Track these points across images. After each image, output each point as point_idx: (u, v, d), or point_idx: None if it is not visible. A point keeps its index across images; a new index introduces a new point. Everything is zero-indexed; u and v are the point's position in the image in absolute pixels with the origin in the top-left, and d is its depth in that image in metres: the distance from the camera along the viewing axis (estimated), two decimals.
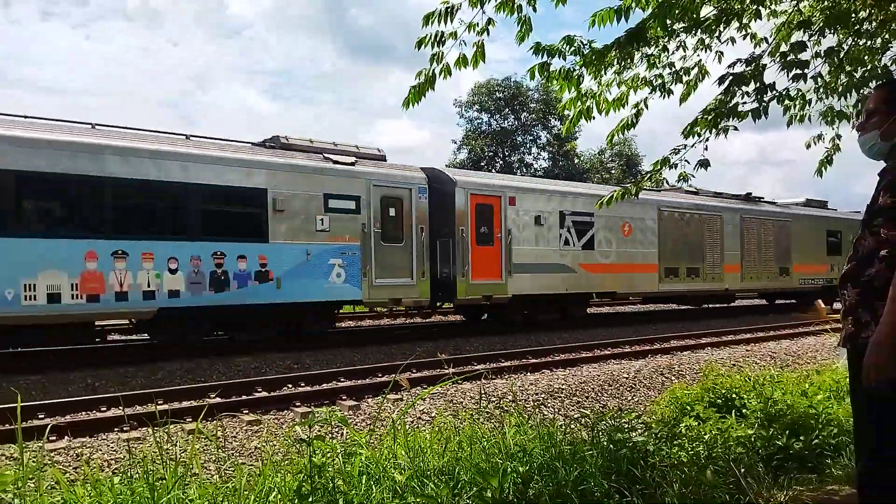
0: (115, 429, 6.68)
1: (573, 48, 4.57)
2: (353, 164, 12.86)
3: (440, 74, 4.15)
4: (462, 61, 4.12)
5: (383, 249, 13.01)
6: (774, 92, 5.21)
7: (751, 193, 22.15)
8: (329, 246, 12.26)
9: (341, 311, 14.63)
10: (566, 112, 5.10)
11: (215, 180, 11.08)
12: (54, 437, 6.37)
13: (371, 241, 12.76)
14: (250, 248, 11.31)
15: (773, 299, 23.47)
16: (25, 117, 10.26)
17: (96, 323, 10.90)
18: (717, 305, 21.97)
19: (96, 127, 10.80)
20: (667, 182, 6.03)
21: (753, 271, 20.50)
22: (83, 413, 7.40)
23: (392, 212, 13.20)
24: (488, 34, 4.01)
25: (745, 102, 5.27)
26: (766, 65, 5.12)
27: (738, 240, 20.03)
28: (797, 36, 5.11)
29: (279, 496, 2.82)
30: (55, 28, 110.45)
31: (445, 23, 3.94)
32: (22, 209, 9.64)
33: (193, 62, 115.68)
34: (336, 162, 12.66)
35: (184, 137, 11.73)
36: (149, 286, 10.35)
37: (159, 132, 11.48)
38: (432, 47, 4.06)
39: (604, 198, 6.17)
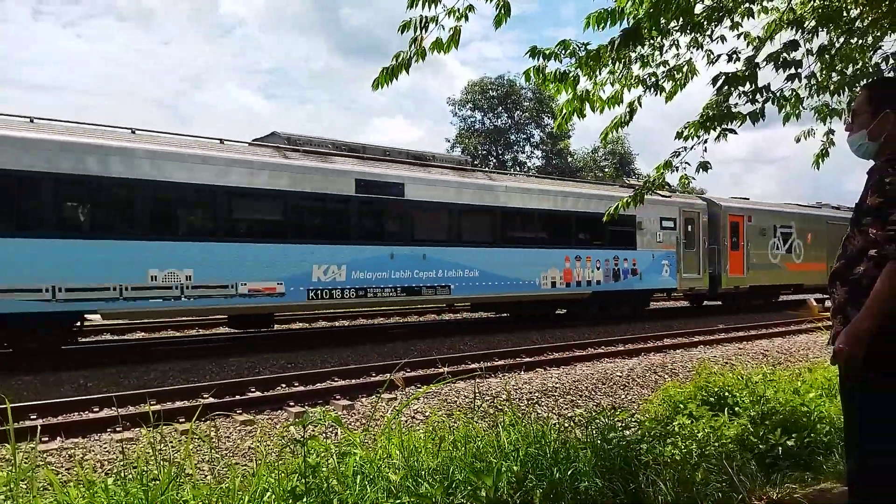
0: (109, 429, 6.65)
1: (569, 51, 4.57)
2: (669, 196, 19.05)
3: (414, 57, 4.14)
4: (437, 45, 4.10)
5: (685, 254, 19.27)
6: (769, 93, 5.22)
7: None
8: (662, 252, 18.62)
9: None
10: (563, 111, 5.10)
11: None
12: (47, 438, 6.34)
13: (680, 248, 19.11)
14: (628, 254, 17.76)
15: None
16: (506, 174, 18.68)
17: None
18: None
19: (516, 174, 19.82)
20: (669, 185, 6.08)
21: None
22: (76, 413, 7.37)
23: (689, 228, 19.50)
24: (466, 19, 4.00)
25: (737, 105, 5.29)
26: (759, 64, 5.13)
27: None
28: (789, 34, 5.12)
29: (273, 496, 2.82)
30: (46, 27, 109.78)
31: (429, 7, 3.93)
32: (541, 234, 16.24)
33: (189, 62, 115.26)
34: (664, 196, 18.66)
35: (578, 182, 20.19)
36: (588, 278, 16.82)
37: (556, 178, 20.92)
38: (415, 31, 4.04)
39: (610, 208, 6.25)
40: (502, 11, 4.08)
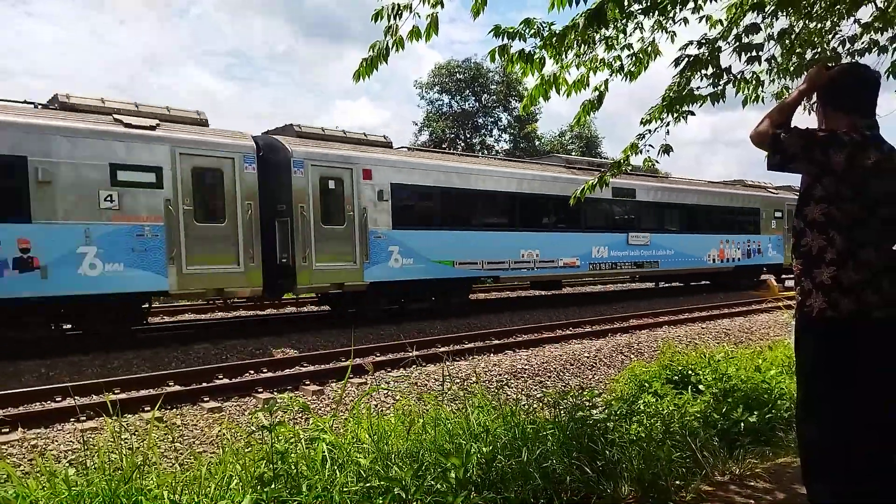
0: (72, 419, 6.53)
1: (533, 30, 4.55)
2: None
3: (393, 47, 4.08)
4: (415, 33, 4.05)
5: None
6: (730, 75, 5.28)
7: None
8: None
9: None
10: (532, 95, 5.08)
11: None
12: (7, 430, 6.21)
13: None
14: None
15: None
16: None
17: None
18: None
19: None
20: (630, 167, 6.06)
21: None
22: (37, 404, 7.21)
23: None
24: (442, 6, 3.95)
25: (700, 88, 5.34)
26: (721, 47, 5.18)
27: None
28: (750, 18, 5.18)
29: (240, 483, 2.79)
30: None
31: None
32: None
33: (144, 43, 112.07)
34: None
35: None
36: None
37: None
38: (388, 20, 3.98)
39: (577, 191, 6.05)
40: (479, 0, 4.04)
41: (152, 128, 10.84)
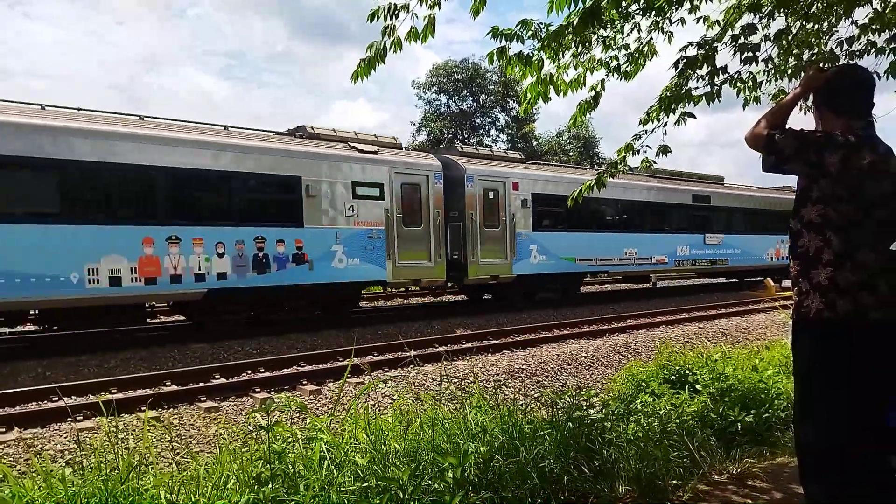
0: (69, 419, 6.51)
1: (531, 32, 4.55)
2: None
3: (391, 48, 4.08)
4: (413, 34, 4.05)
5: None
6: (726, 75, 5.28)
7: None
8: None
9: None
10: (527, 95, 5.07)
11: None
12: (3, 430, 6.20)
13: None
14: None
15: None
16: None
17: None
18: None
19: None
20: (629, 168, 6.05)
21: None
22: (34, 403, 7.20)
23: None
24: (440, 7, 3.94)
25: (697, 88, 5.33)
26: (717, 48, 5.18)
27: None
28: (748, 18, 5.18)
29: (237, 483, 2.79)
30: None
31: None
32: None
33: (143, 43, 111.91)
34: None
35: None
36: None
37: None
38: (385, 20, 3.98)
39: (574, 191, 6.05)
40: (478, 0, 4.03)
41: (376, 152, 13.82)
